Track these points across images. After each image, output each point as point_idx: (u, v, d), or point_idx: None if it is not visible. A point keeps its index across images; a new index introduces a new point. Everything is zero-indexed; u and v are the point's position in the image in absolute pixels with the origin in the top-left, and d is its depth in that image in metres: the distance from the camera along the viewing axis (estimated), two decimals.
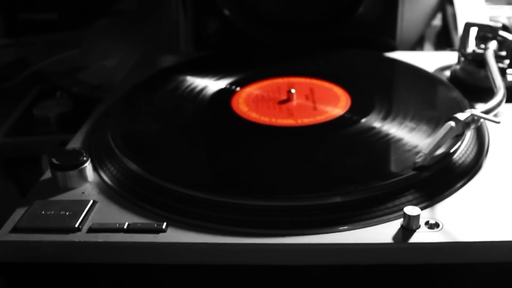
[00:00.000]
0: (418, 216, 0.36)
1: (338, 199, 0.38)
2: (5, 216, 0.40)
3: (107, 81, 0.74)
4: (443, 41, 0.81)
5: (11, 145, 0.64)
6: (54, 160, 0.42)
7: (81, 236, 0.37)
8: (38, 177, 0.45)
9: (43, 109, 0.67)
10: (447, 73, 0.59)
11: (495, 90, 0.47)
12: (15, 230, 0.38)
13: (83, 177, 0.43)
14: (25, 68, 0.80)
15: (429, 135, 0.45)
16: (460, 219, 0.37)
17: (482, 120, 0.44)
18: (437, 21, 0.84)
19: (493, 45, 0.54)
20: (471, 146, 0.44)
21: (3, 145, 0.64)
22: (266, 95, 0.54)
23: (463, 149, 0.43)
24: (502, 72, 0.53)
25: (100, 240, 0.37)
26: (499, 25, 0.56)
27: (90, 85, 0.74)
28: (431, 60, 0.62)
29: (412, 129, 0.46)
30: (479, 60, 0.55)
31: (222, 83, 0.57)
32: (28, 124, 0.67)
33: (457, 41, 0.71)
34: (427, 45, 0.81)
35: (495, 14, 0.76)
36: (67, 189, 0.42)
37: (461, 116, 0.42)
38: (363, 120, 0.48)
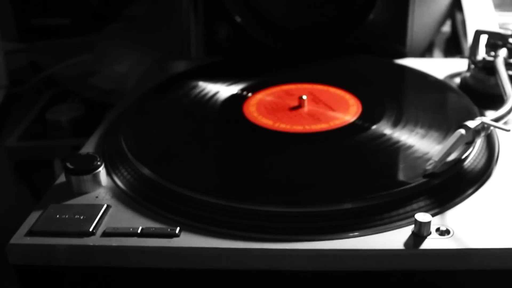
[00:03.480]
0: (429, 223, 0.36)
1: (349, 205, 0.39)
2: (19, 219, 0.41)
3: (119, 86, 0.74)
4: (452, 47, 0.81)
5: (24, 149, 0.65)
6: (68, 165, 0.43)
7: (95, 240, 0.38)
8: (50, 180, 0.45)
9: (56, 113, 0.68)
10: (457, 80, 0.60)
11: (505, 97, 0.47)
12: (30, 233, 0.38)
13: (97, 181, 0.43)
14: (37, 72, 0.81)
15: (440, 142, 0.45)
16: (471, 225, 0.38)
17: (492, 127, 0.44)
18: (447, 28, 0.84)
19: (503, 52, 0.55)
20: (481, 153, 0.45)
21: (16, 149, 0.65)
22: (278, 101, 0.54)
23: (474, 156, 0.44)
24: None
25: (114, 244, 0.37)
26: (509, 32, 0.56)
27: (102, 90, 0.75)
28: (441, 67, 0.62)
29: (422, 136, 0.46)
30: (489, 68, 0.55)
31: (234, 89, 0.57)
32: (41, 128, 0.67)
33: (466, 47, 0.71)
34: (437, 52, 0.81)
35: (504, 21, 0.76)
36: (81, 193, 0.43)
37: (472, 123, 0.43)
38: (374, 126, 0.48)
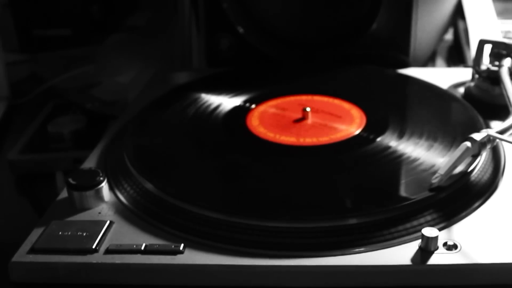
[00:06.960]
0: (436, 238, 0.36)
1: (354, 220, 0.38)
2: (20, 233, 0.40)
3: (121, 97, 0.74)
4: (455, 55, 0.81)
5: (25, 162, 0.64)
6: (70, 180, 0.42)
7: (98, 258, 0.37)
8: (52, 193, 0.45)
9: (57, 125, 0.67)
10: (461, 89, 0.59)
11: (510, 108, 0.47)
12: (32, 251, 0.38)
13: (99, 197, 0.43)
14: (39, 83, 0.81)
15: (445, 155, 0.45)
16: (478, 240, 0.37)
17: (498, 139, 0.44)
18: (449, 36, 0.84)
19: (507, 62, 0.54)
20: (487, 165, 0.44)
21: (18, 162, 0.64)
22: (281, 113, 0.54)
23: (480, 169, 0.43)
24: None
25: (117, 261, 0.37)
26: None
27: (103, 101, 0.75)
28: (445, 77, 0.62)
29: (427, 149, 0.46)
30: (493, 78, 0.55)
31: (237, 101, 0.57)
32: (42, 140, 0.67)
33: (469, 56, 0.71)
34: (439, 60, 0.81)
35: (507, 29, 0.76)
36: (84, 209, 0.42)
37: (477, 136, 0.42)
38: (379, 139, 0.48)
